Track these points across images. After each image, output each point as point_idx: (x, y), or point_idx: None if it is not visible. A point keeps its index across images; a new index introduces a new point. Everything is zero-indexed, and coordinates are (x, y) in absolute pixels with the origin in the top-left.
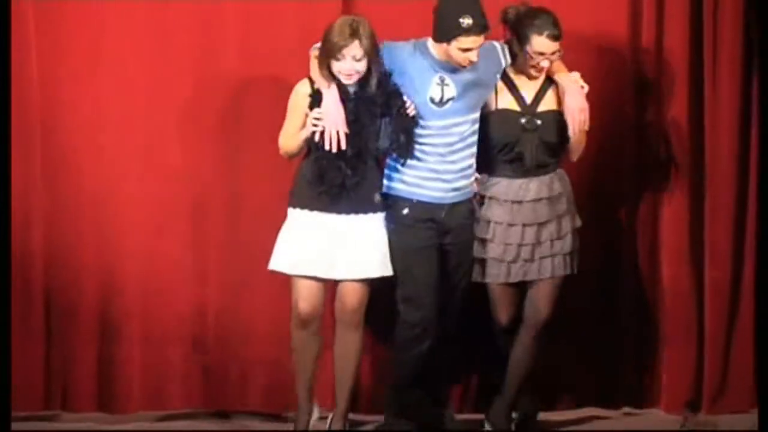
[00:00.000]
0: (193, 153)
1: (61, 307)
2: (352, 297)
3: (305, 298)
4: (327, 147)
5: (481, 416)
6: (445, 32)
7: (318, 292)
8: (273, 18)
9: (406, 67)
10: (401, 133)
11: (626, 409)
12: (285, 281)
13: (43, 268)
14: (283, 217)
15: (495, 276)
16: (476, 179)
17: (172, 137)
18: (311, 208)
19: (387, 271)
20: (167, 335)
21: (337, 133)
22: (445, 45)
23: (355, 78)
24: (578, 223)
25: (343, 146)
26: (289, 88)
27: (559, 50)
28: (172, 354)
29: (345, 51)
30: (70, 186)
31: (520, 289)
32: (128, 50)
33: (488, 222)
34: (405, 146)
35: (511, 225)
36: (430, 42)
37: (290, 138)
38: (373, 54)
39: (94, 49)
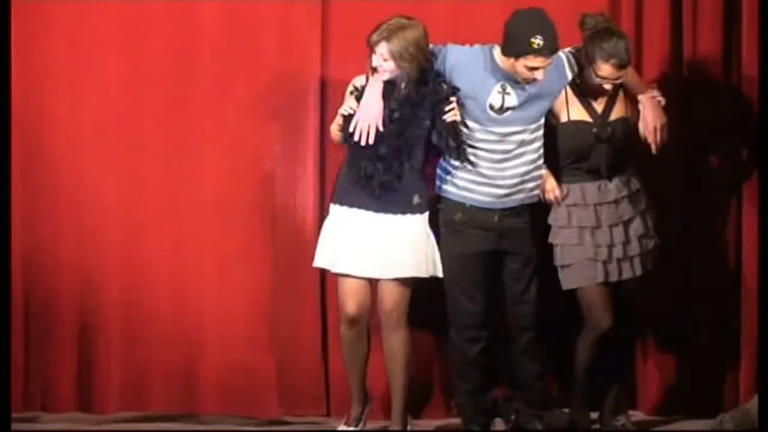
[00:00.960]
0: (171, 154)
1: (40, 308)
2: (387, 297)
3: (350, 296)
4: (356, 138)
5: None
6: (515, 49)
7: (363, 291)
8: (251, 19)
9: (467, 71)
10: (450, 138)
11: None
12: (265, 284)
13: (21, 268)
14: (263, 219)
15: (591, 278)
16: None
17: (150, 138)
18: (350, 205)
19: (422, 272)
20: (146, 336)
21: (369, 127)
22: (512, 59)
23: (386, 75)
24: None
25: (371, 141)
26: (267, 89)
27: (624, 75)
28: (151, 355)
29: (376, 48)
30: (48, 187)
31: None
32: (107, 50)
33: (573, 228)
34: (456, 150)
35: (597, 227)
36: (496, 50)
37: (334, 125)
38: (404, 58)
39: (72, 48)
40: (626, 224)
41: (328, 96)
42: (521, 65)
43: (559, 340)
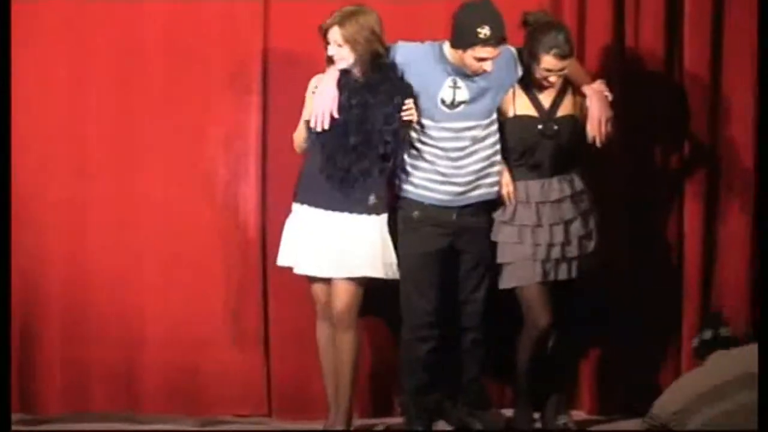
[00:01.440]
0: (114, 154)
1: None
2: (340, 296)
3: (320, 292)
4: (312, 125)
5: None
6: (462, 40)
7: (329, 286)
8: (194, 20)
9: (419, 68)
10: (391, 135)
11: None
12: (207, 284)
13: None
14: (205, 219)
15: (529, 278)
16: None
17: (93, 138)
18: (309, 204)
19: (377, 272)
20: (87, 336)
21: (323, 114)
22: (460, 52)
23: (343, 64)
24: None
25: (326, 126)
26: (209, 90)
27: (567, 66)
28: (92, 356)
29: (329, 35)
30: None
31: (550, 290)
32: (49, 50)
33: (515, 225)
34: (395, 149)
35: (538, 226)
36: (446, 45)
37: (299, 131)
38: (359, 43)
39: (16, 48)
40: (567, 224)
41: (269, 96)
42: (470, 57)
43: (501, 341)
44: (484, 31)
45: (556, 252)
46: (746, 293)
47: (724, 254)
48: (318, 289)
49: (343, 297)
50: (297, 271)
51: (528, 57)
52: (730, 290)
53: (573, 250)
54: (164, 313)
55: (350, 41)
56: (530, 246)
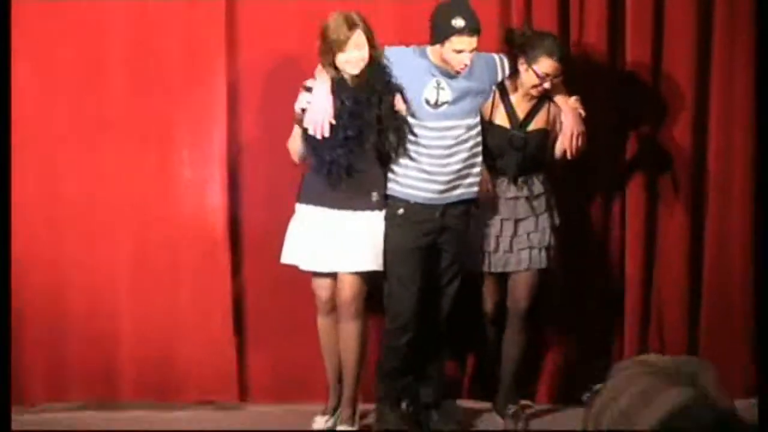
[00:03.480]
0: (82, 155)
1: None
2: (346, 289)
3: (322, 288)
4: (311, 132)
5: (488, 404)
6: (439, 34)
7: (332, 282)
8: (157, 22)
9: (405, 70)
10: (392, 132)
11: None
12: (178, 283)
13: None
14: (174, 219)
15: (475, 265)
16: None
17: (62, 139)
18: (313, 203)
19: (380, 266)
20: (65, 332)
21: (322, 122)
22: (440, 48)
23: (361, 65)
24: (557, 221)
25: (326, 134)
26: (175, 92)
27: (562, 72)
28: (70, 350)
29: (350, 42)
30: None
31: (504, 281)
32: (17, 52)
33: (482, 219)
34: (396, 145)
35: (490, 219)
36: (429, 48)
37: (293, 139)
38: (373, 40)
39: None
40: (518, 221)
41: (237, 99)
42: (449, 51)
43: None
44: (458, 22)
45: (505, 245)
46: (684, 291)
47: (663, 253)
48: (321, 284)
49: (348, 289)
50: (303, 267)
51: (524, 65)
52: (668, 289)
53: (522, 244)
54: (137, 308)
55: (369, 40)
56: (479, 237)
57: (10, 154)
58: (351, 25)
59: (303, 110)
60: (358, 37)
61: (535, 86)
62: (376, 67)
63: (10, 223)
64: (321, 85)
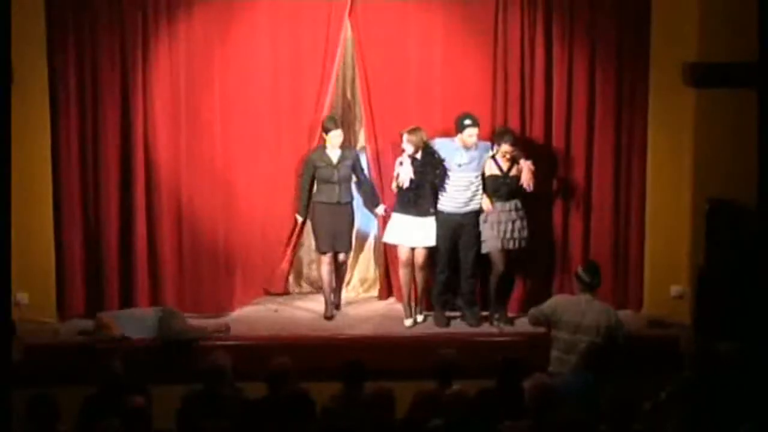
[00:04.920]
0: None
1: None
2: (420, 254)
3: (404, 252)
4: (399, 184)
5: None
6: (459, 128)
7: (411, 250)
8: None
9: (446, 149)
10: (438, 179)
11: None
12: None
13: None
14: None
15: (494, 247)
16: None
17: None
18: (403, 213)
19: (434, 243)
20: None
21: (407, 178)
22: (460, 135)
23: (418, 153)
24: (526, 222)
25: (407, 184)
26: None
27: (515, 148)
28: None
29: (420, 142)
30: None
31: (507, 254)
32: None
33: (489, 222)
34: (440, 185)
35: (499, 222)
36: (457, 137)
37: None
38: (420, 146)
39: None
40: (512, 222)
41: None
42: (465, 135)
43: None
44: (468, 121)
45: (508, 234)
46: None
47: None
48: (407, 252)
49: (421, 255)
50: (404, 244)
51: (496, 146)
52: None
53: (516, 234)
54: None
55: (418, 147)
56: (495, 231)
57: (10, 152)
58: (422, 137)
59: (397, 175)
60: (418, 143)
61: (504, 155)
62: (428, 149)
63: (10, 223)
64: (405, 161)
